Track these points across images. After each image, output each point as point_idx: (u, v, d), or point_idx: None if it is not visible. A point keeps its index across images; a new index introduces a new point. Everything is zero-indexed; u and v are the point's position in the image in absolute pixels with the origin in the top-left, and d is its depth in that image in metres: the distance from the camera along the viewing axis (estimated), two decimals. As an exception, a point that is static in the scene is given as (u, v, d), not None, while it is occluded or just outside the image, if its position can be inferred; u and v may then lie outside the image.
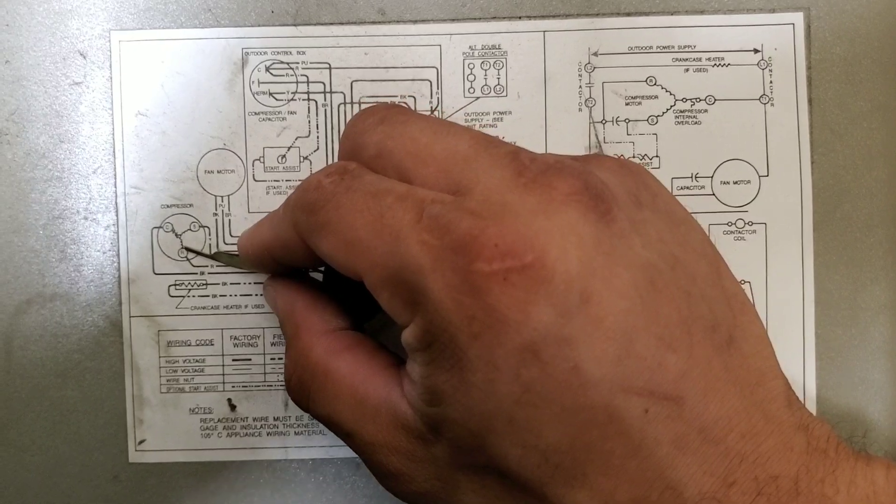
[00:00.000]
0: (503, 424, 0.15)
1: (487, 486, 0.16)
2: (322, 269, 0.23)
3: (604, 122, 0.26)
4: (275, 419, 0.26)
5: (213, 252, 0.25)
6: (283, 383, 0.26)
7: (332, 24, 0.26)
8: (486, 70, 0.26)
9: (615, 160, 0.18)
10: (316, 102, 0.26)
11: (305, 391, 0.19)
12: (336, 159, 0.25)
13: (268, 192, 0.26)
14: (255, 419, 0.26)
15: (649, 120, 0.26)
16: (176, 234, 0.25)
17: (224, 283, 0.26)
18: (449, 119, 0.26)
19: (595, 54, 0.26)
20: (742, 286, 0.17)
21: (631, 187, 0.17)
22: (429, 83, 0.26)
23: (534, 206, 0.15)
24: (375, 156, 0.18)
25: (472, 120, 0.26)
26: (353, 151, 0.18)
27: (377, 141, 0.18)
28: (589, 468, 0.15)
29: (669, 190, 0.18)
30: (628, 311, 0.15)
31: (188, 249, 0.25)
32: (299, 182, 0.25)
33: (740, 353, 0.16)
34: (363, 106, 0.25)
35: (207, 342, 0.26)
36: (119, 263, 0.25)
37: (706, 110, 0.26)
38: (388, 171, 0.17)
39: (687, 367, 0.15)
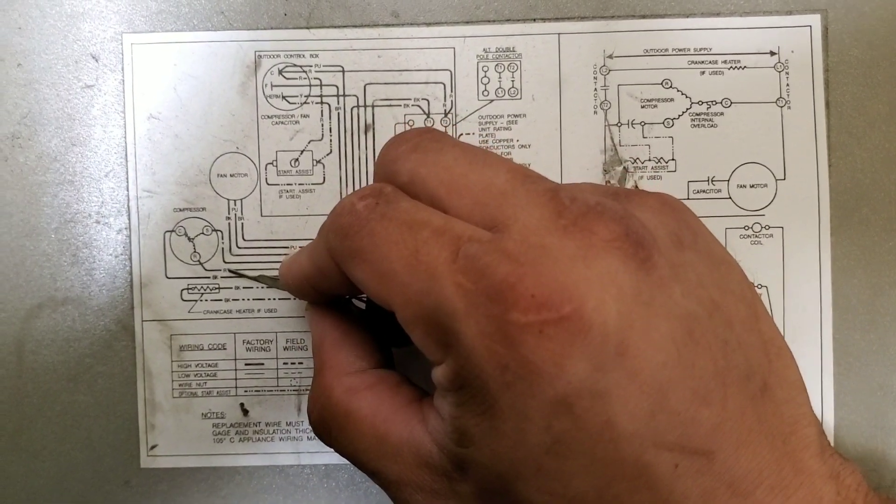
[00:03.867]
0: (531, 472, 0.15)
1: None
2: (364, 297, 0.23)
3: (619, 125, 0.25)
4: (287, 424, 0.26)
5: (257, 275, 0.25)
6: (296, 388, 0.25)
7: (345, 26, 0.25)
8: (500, 73, 0.25)
9: (656, 197, 0.17)
10: (329, 105, 0.25)
11: (327, 429, 0.19)
12: (348, 162, 0.25)
13: (280, 196, 0.25)
14: (267, 424, 0.26)
15: (665, 123, 0.25)
16: (188, 238, 0.25)
17: (237, 288, 0.25)
18: (464, 120, 0.25)
19: (610, 57, 0.25)
20: (777, 327, 0.17)
21: (672, 227, 0.16)
22: (442, 86, 0.25)
23: (573, 251, 0.15)
24: (408, 183, 0.17)
25: (486, 123, 0.25)
26: (387, 179, 0.18)
27: (410, 168, 0.17)
28: None
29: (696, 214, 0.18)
30: (664, 364, 0.14)
31: (232, 272, 0.25)
32: (312, 186, 0.25)
33: (774, 401, 0.16)
34: (376, 109, 0.25)
35: (220, 346, 0.25)
36: (131, 267, 0.25)
37: (722, 113, 0.25)
38: (420, 199, 0.17)
39: (720, 421, 0.15)
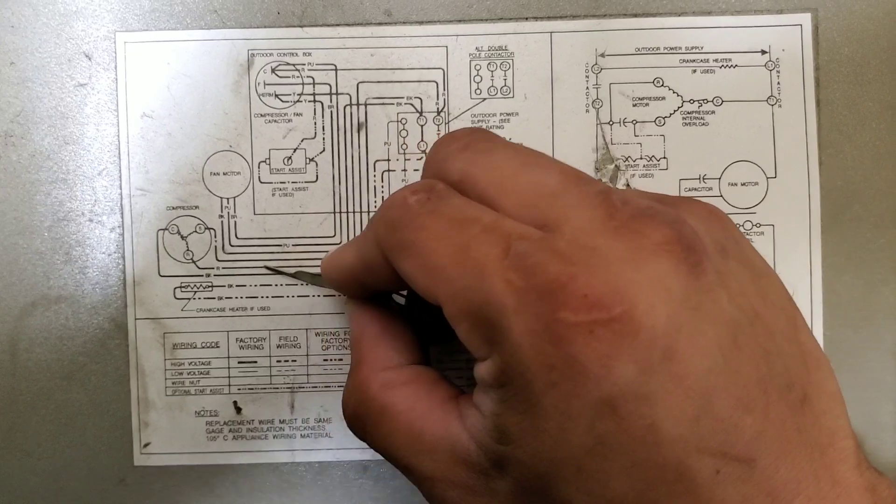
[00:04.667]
0: (571, 472, 0.15)
1: None
2: (405, 293, 0.23)
3: (611, 123, 0.25)
4: (281, 422, 0.26)
5: (294, 272, 0.25)
6: (289, 385, 0.25)
7: (337, 25, 0.25)
8: (492, 71, 0.25)
9: (702, 206, 0.17)
10: (322, 104, 0.25)
11: (361, 424, 0.19)
12: (341, 160, 0.25)
13: (273, 194, 0.25)
14: (261, 422, 0.26)
15: (657, 121, 0.25)
16: (181, 237, 0.25)
17: (230, 286, 0.25)
18: (457, 119, 0.25)
19: (602, 55, 0.25)
20: (815, 339, 0.17)
21: (717, 236, 0.16)
22: (435, 84, 0.25)
23: (624, 253, 0.15)
24: (459, 181, 0.17)
25: (478, 121, 0.25)
26: (436, 177, 0.18)
27: (460, 167, 0.17)
28: None
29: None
30: (710, 370, 0.14)
31: (269, 268, 0.25)
32: (305, 184, 0.25)
33: (813, 412, 0.16)
34: (369, 108, 0.25)
35: (213, 344, 0.25)
36: (124, 266, 0.25)
37: (714, 111, 0.25)
38: (470, 197, 0.17)
39: (762, 429, 0.15)
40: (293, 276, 0.25)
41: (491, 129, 0.25)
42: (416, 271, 0.16)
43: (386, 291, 0.21)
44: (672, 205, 0.17)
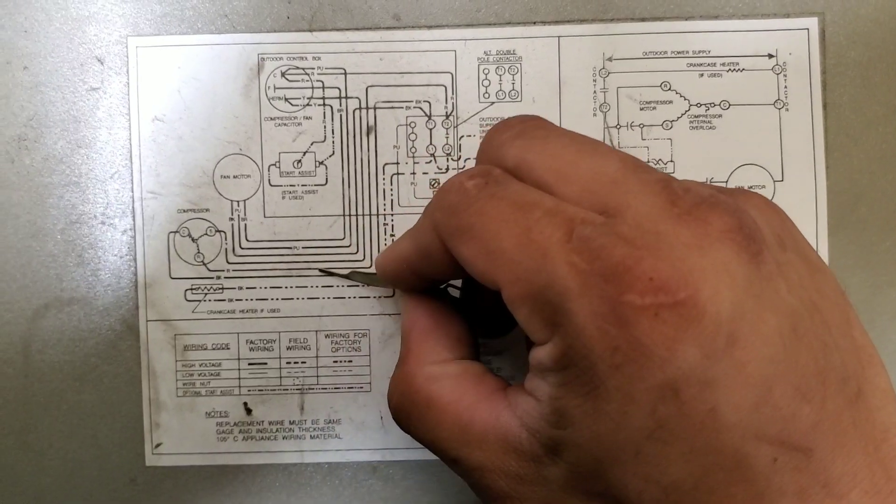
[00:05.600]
0: (630, 456, 0.15)
1: None
2: (458, 285, 0.23)
3: (618, 126, 0.26)
4: (290, 423, 0.26)
5: (348, 272, 0.25)
6: (299, 387, 0.26)
7: (347, 29, 0.26)
8: (500, 75, 0.26)
9: (761, 198, 0.17)
10: (331, 107, 0.26)
11: (406, 415, 0.19)
12: (350, 164, 0.26)
13: (283, 197, 0.26)
14: (270, 423, 0.26)
15: (664, 125, 0.26)
16: (192, 239, 0.26)
17: (240, 288, 0.26)
18: (465, 123, 0.26)
19: (610, 59, 0.26)
20: (868, 335, 0.17)
21: (776, 228, 0.17)
22: (444, 88, 0.26)
23: (688, 239, 0.15)
24: (514, 168, 0.17)
25: (487, 125, 0.26)
26: (491, 164, 0.18)
27: (516, 154, 0.17)
28: None
29: None
30: (771, 358, 0.15)
31: (322, 271, 0.25)
32: (315, 187, 0.25)
33: (867, 407, 0.16)
34: (378, 111, 0.26)
35: (223, 346, 0.26)
36: (136, 268, 0.26)
37: (721, 115, 0.26)
38: (527, 184, 0.17)
39: (819, 419, 0.15)
40: (346, 276, 0.25)
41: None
42: (475, 255, 0.16)
43: (441, 282, 0.21)
44: (731, 195, 0.17)
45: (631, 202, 0.16)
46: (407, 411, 0.19)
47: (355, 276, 0.25)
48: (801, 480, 0.15)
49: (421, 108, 0.26)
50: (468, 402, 0.18)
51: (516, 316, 0.16)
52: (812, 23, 0.26)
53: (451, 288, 0.23)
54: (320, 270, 0.25)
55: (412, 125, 0.26)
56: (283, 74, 0.26)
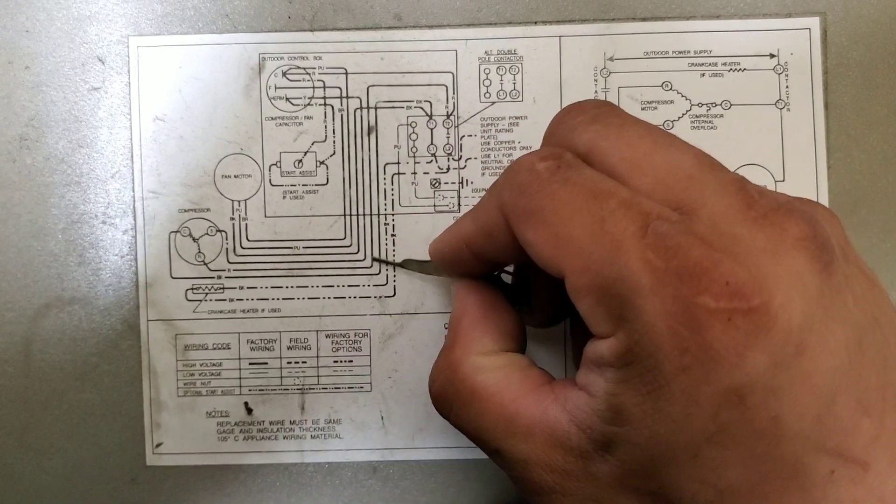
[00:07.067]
0: (687, 458, 0.15)
1: None
2: (510, 270, 0.23)
3: (619, 126, 0.26)
4: (291, 423, 0.26)
5: (402, 260, 0.25)
6: (299, 387, 0.26)
7: (348, 29, 0.26)
8: (501, 75, 0.26)
9: (826, 209, 0.17)
10: (332, 107, 0.26)
11: (448, 404, 0.19)
12: (351, 163, 0.26)
13: (284, 197, 0.26)
14: (271, 423, 0.26)
15: (665, 125, 0.26)
16: (193, 239, 0.26)
17: (241, 288, 0.26)
18: (466, 122, 0.26)
19: (611, 59, 0.26)
20: None
21: (840, 240, 0.16)
22: (445, 88, 0.26)
23: (763, 244, 0.15)
24: (586, 153, 0.17)
25: (487, 125, 0.26)
26: (561, 147, 0.17)
27: (588, 139, 0.17)
28: None
29: None
30: (836, 369, 0.15)
31: (376, 259, 0.25)
32: (316, 187, 0.25)
33: None
34: (379, 111, 0.26)
35: (224, 346, 0.26)
36: (137, 267, 0.26)
37: (722, 115, 0.26)
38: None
39: (878, 434, 0.15)
40: (400, 265, 0.25)
41: (500, 133, 0.26)
42: (543, 240, 0.16)
43: (498, 266, 0.21)
44: (801, 204, 0.16)
45: (707, 201, 0.15)
46: (450, 399, 0.19)
47: (409, 264, 0.25)
48: (856, 494, 0.15)
49: (422, 108, 0.26)
50: (514, 394, 0.18)
51: (578, 306, 0.16)
52: (814, 23, 0.25)
53: (503, 274, 0.23)
54: (374, 259, 0.25)
55: (413, 125, 0.26)
56: (284, 74, 0.26)
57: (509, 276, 0.23)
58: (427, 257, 0.23)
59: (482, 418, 0.18)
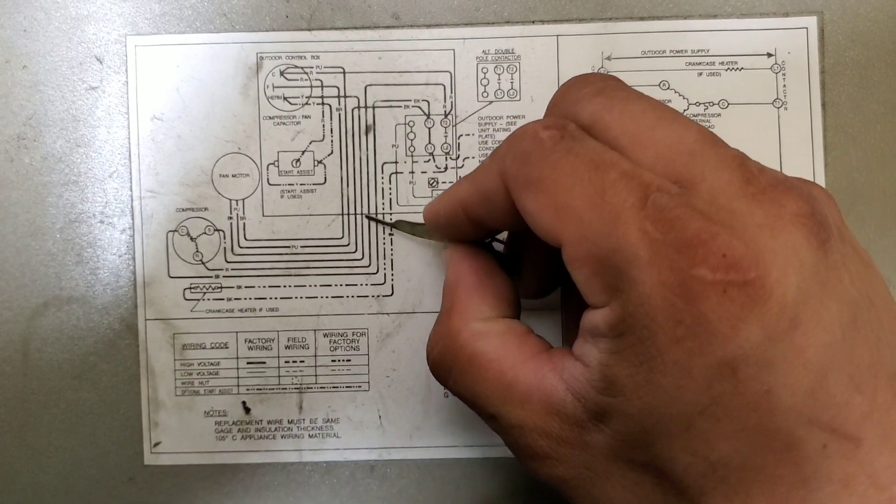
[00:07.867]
0: (680, 430, 0.15)
1: (641, 484, 0.16)
2: (503, 239, 0.23)
3: (617, 125, 0.26)
4: (289, 422, 0.26)
5: (394, 221, 0.25)
6: (297, 386, 0.26)
7: (346, 28, 0.26)
8: (499, 74, 0.26)
9: (823, 189, 0.17)
10: (330, 107, 0.26)
11: (447, 370, 0.19)
12: (349, 162, 0.26)
13: (282, 196, 0.26)
14: (269, 422, 0.26)
15: (662, 124, 0.26)
16: (191, 238, 0.26)
17: (239, 287, 0.26)
18: (464, 121, 0.26)
19: (608, 58, 0.26)
20: None
21: (836, 220, 0.16)
22: (442, 87, 0.26)
23: (761, 220, 0.15)
24: (589, 125, 0.17)
25: (485, 124, 0.26)
26: (564, 118, 0.17)
27: (592, 111, 0.17)
28: (754, 489, 0.15)
29: None
30: (829, 345, 0.15)
31: (368, 217, 0.25)
32: (314, 186, 0.25)
33: None
34: (377, 110, 0.26)
35: (222, 345, 0.26)
36: (134, 267, 0.26)
37: (719, 114, 0.26)
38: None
39: (869, 411, 0.15)
40: (392, 225, 0.25)
41: (497, 132, 0.26)
42: (542, 209, 0.16)
43: (494, 231, 0.21)
44: (798, 182, 0.17)
45: (707, 175, 0.16)
46: (448, 365, 0.19)
47: (401, 225, 0.25)
48: (847, 468, 0.15)
49: (419, 107, 0.26)
50: (512, 360, 0.18)
51: (574, 276, 0.16)
52: (811, 22, 0.26)
53: (495, 243, 0.23)
54: (366, 216, 0.25)
55: (411, 124, 0.26)
56: (281, 73, 0.26)
57: (500, 245, 0.23)
58: (420, 220, 0.23)
59: (480, 384, 0.18)
